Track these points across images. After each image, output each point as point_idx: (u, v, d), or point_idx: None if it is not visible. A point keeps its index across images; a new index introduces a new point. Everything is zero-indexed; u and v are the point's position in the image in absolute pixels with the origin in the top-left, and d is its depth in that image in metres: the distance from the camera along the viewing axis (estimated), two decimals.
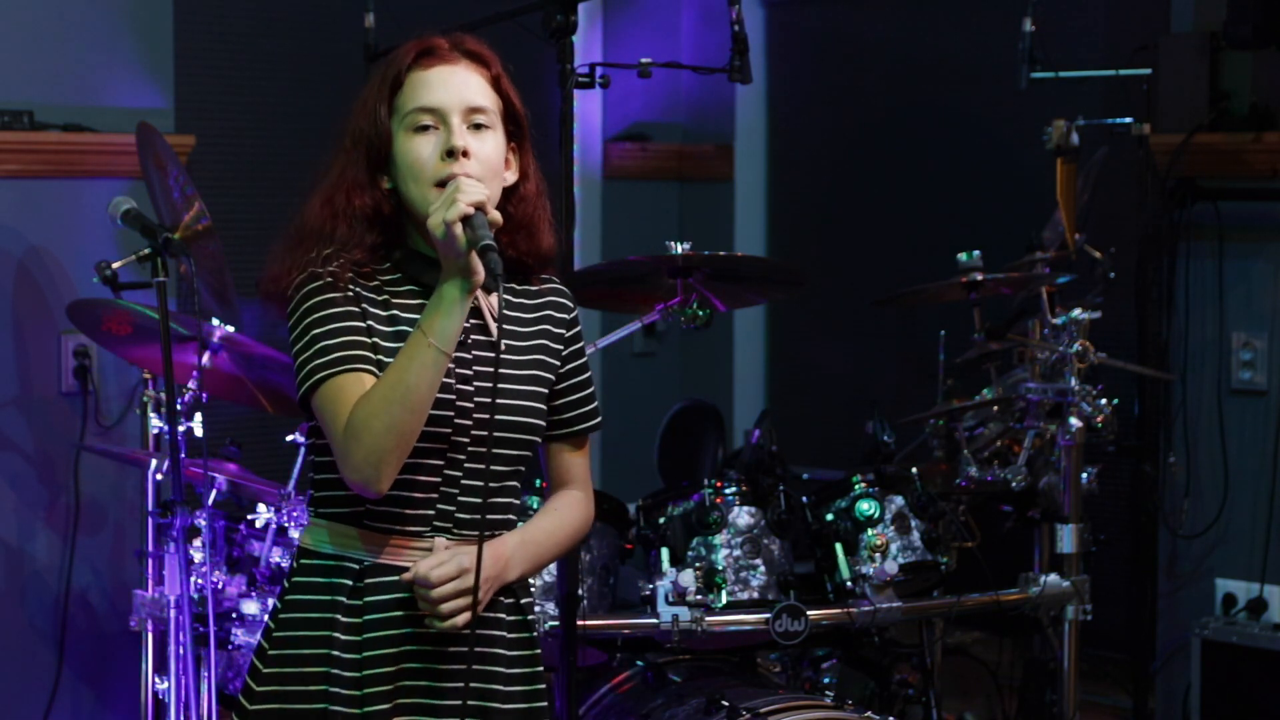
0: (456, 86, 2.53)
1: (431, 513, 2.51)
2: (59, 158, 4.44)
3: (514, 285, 2.63)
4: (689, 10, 5.91)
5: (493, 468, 2.53)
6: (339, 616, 2.51)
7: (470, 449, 2.51)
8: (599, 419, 2.71)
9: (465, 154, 2.49)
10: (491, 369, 2.52)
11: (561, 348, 2.64)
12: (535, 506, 3.26)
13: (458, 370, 2.51)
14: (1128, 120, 4.62)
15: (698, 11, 5.88)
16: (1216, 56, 4.61)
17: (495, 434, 2.52)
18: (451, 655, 2.52)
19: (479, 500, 2.52)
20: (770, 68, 5.89)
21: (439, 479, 2.51)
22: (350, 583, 2.52)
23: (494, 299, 2.57)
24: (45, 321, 4.42)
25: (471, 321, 2.55)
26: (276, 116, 4.91)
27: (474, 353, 2.54)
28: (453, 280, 2.44)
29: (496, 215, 2.45)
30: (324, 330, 2.49)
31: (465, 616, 2.48)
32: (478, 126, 2.52)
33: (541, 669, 2.64)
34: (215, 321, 3.77)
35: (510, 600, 2.59)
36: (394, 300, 2.54)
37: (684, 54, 5.70)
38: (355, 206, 2.54)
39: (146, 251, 3.34)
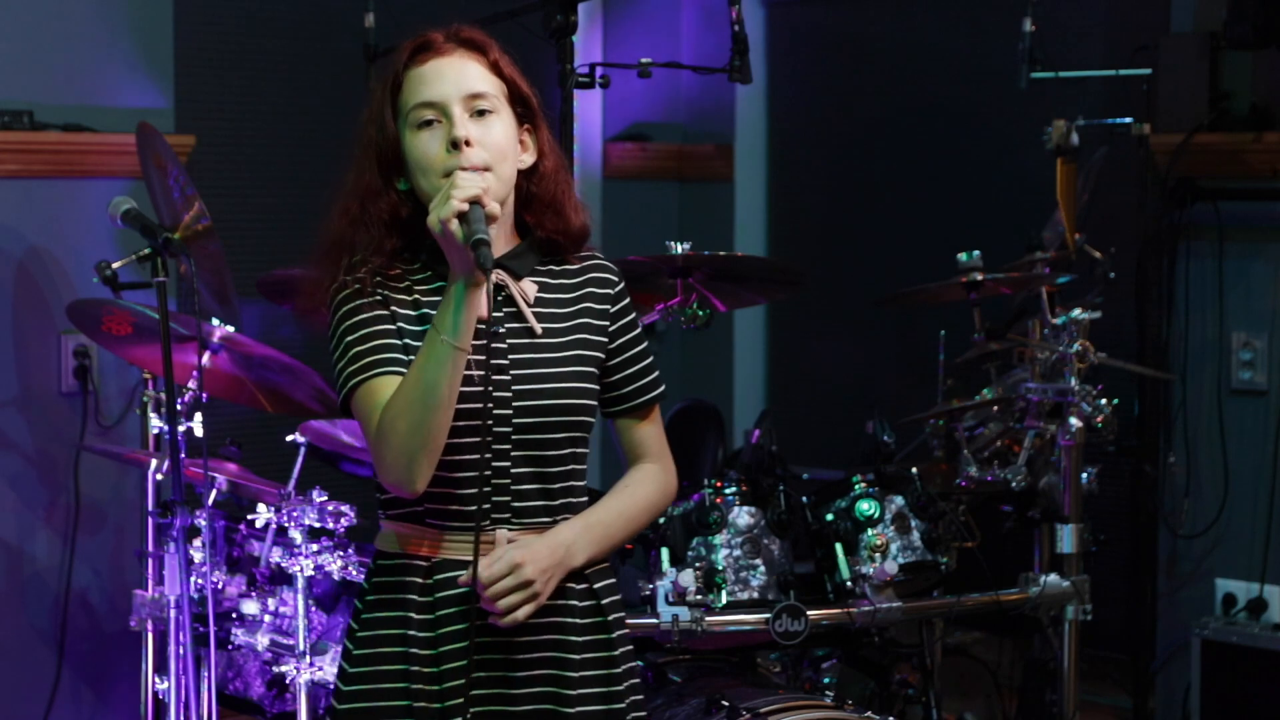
0: (453, 76, 2.53)
1: (488, 505, 2.51)
2: (59, 158, 4.44)
3: (552, 267, 2.62)
4: (689, 10, 5.91)
5: (542, 453, 2.53)
6: (412, 615, 2.53)
7: (514, 438, 2.51)
8: (662, 388, 2.69)
9: (469, 143, 2.49)
10: (530, 355, 2.53)
11: (607, 324, 2.62)
12: None
13: (494, 361, 2.50)
14: (1128, 120, 4.62)
15: (698, 11, 5.88)
16: (1216, 56, 4.61)
17: (546, 418, 2.52)
18: (521, 645, 2.53)
19: (534, 487, 2.53)
20: (770, 68, 5.88)
21: (489, 471, 2.51)
22: (420, 580, 2.53)
23: (526, 285, 2.57)
24: (45, 321, 4.42)
25: (505, 310, 2.54)
26: (276, 116, 4.91)
27: (509, 341, 2.54)
28: (458, 277, 2.44)
29: (495, 208, 2.45)
30: (355, 337, 2.51)
31: (527, 610, 2.49)
32: (481, 113, 2.52)
33: (622, 651, 2.61)
34: (215, 321, 3.77)
35: (583, 586, 2.58)
36: (423, 299, 2.55)
37: (684, 54, 5.70)
38: (372, 213, 2.55)
39: (146, 251, 3.34)
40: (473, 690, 2.51)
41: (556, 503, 2.56)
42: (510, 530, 2.52)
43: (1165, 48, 4.67)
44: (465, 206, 2.41)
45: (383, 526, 2.61)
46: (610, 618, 2.61)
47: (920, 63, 5.54)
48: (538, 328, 2.56)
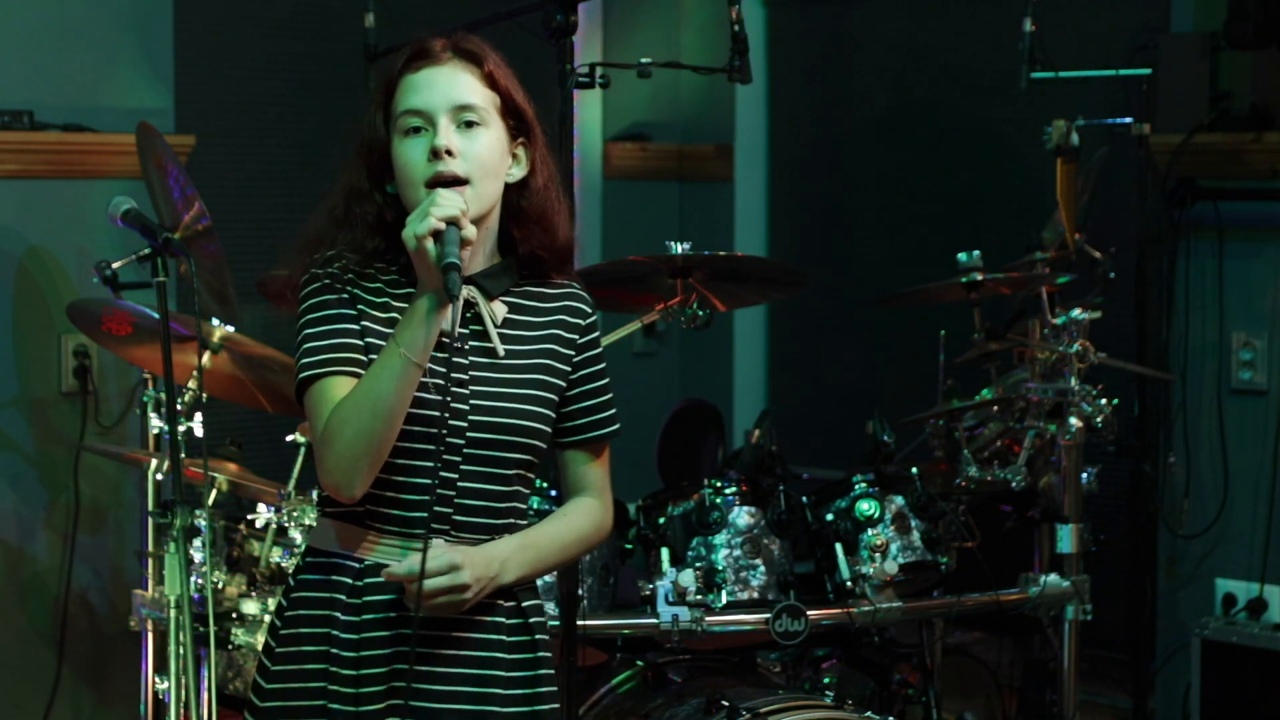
0: (442, 86, 2.52)
1: (426, 514, 2.50)
2: (59, 158, 4.44)
3: (528, 287, 2.62)
4: (689, 10, 5.91)
5: (491, 470, 2.53)
6: (338, 614, 2.52)
7: (466, 451, 2.52)
8: (616, 426, 2.69)
9: (449, 153, 2.49)
10: (489, 374, 2.53)
11: (573, 353, 2.63)
12: (535, 507, 3.26)
13: (454, 375, 2.51)
14: (1128, 120, 4.61)
15: (698, 11, 5.88)
16: (1216, 56, 4.62)
17: (498, 436, 2.52)
18: (446, 659, 2.53)
19: (479, 503, 2.53)
20: (770, 68, 5.88)
21: (435, 481, 2.50)
22: (350, 581, 2.53)
23: (496, 306, 2.57)
24: (45, 321, 4.42)
25: (471, 328, 2.55)
26: (276, 116, 4.91)
27: (471, 358, 2.54)
28: (426, 293, 2.45)
29: (471, 232, 2.44)
30: (315, 331, 2.52)
31: (447, 607, 2.48)
32: (469, 124, 2.52)
33: (548, 672, 2.62)
34: (215, 321, 3.77)
35: (510, 604, 2.59)
36: (394, 304, 2.54)
37: (684, 54, 5.70)
38: (356, 214, 2.56)
39: (146, 251, 3.33)
40: (393, 700, 2.51)
41: (499, 521, 2.57)
42: (447, 541, 2.51)
43: (1165, 48, 4.67)
44: (441, 226, 2.41)
45: (319, 523, 2.61)
46: (537, 636, 2.61)
47: (920, 63, 5.54)
48: (500, 349, 2.55)
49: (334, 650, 2.52)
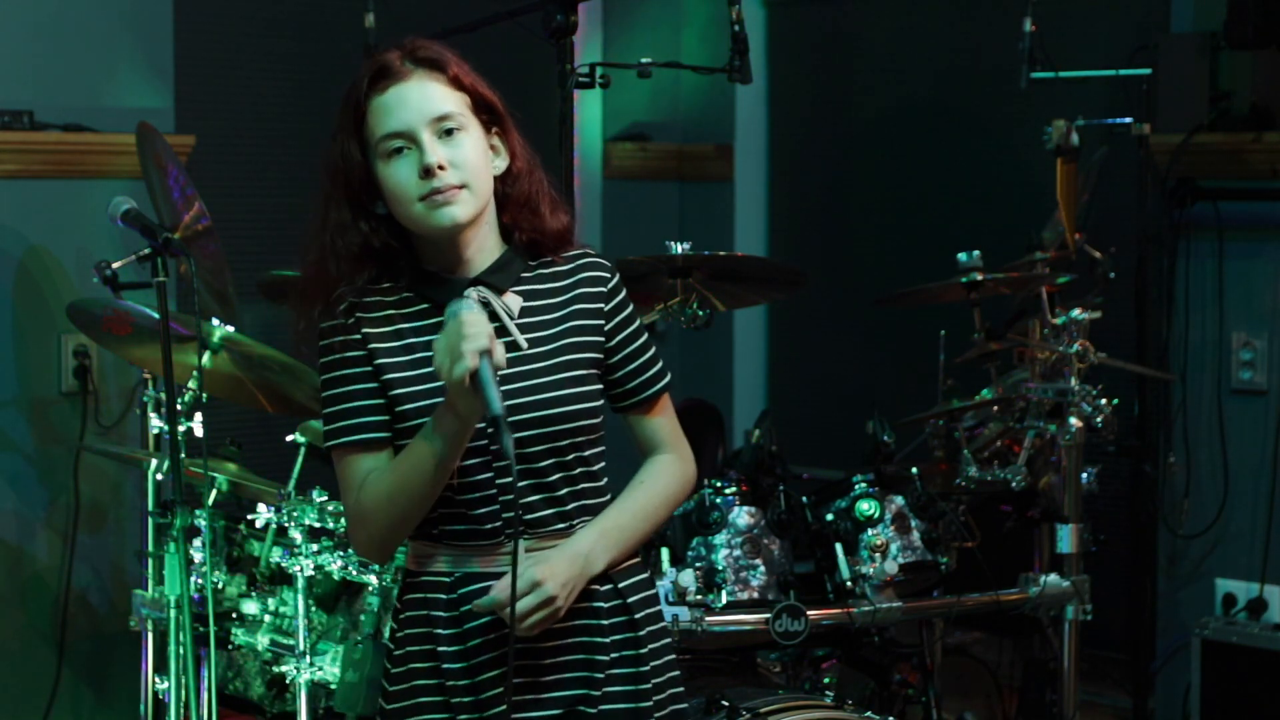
0: (415, 102, 2.51)
1: (499, 523, 2.52)
2: (59, 158, 4.44)
3: (540, 271, 2.61)
4: (689, 10, 5.91)
5: (545, 464, 2.53)
6: (439, 630, 2.54)
7: (514, 452, 2.51)
8: (667, 378, 2.68)
9: (441, 168, 2.48)
10: (518, 369, 2.52)
11: (602, 322, 2.61)
12: None
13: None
14: (1128, 120, 4.62)
15: (698, 11, 5.88)
16: (1216, 56, 4.61)
17: (540, 430, 2.52)
18: (547, 650, 2.54)
19: (543, 497, 2.53)
20: (770, 68, 5.88)
21: (494, 489, 2.52)
22: (444, 596, 2.55)
23: (510, 299, 2.56)
24: (45, 321, 4.42)
25: (493, 325, 2.53)
26: (276, 116, 4.91)
27: None
28: (454, 415, 2.44)
29: (501, 358, 2.43)
30: (332, 394, 2.55)
31: (544, 622, 2.50)
32: (449, 132, 2.51)
33: (651, 648, 2.60)
34: (215, 321, 3.77)
35: (606, 587, 2.58)
36: (406, 326, 2.55)
37: (684, 54, 5.70)
38: (341, 247, 2.54)
39: (146, 251, 3.34)
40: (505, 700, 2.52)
41: (569, 508, 2.56)
42: (526, 543, 2.51)
43: (1165, 48, 4.67)
44: (477, 363, 2.39)
45: (408, 544, 2.62)
46: (638, 615, 2.60)
47: (920, 63, 5.54)
48: (523, 341, 2.55)
49: (445, 664, 2.54)
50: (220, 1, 4.79)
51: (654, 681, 2.60)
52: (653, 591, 2.65)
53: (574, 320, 2.59)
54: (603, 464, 2.63)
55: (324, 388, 2.55)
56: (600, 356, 2.61)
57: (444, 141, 2.50)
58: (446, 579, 2.55)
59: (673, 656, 2.67)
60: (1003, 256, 4.34)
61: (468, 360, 2.38)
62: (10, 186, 4.38)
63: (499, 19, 3.38)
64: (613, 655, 2.57)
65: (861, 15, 5.71)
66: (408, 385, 2.52)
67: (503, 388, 2.48)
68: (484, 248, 2.57)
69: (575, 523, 2.56)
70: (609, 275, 2.64)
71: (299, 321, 2.60)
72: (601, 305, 2.62)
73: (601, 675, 2.55)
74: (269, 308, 4.37)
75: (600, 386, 2.61)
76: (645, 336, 2.67)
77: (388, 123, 2.51)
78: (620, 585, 2.60)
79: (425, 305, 2.55)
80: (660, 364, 2.69)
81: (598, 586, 2.57)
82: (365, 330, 2.54)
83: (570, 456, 2.56)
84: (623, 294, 2.64)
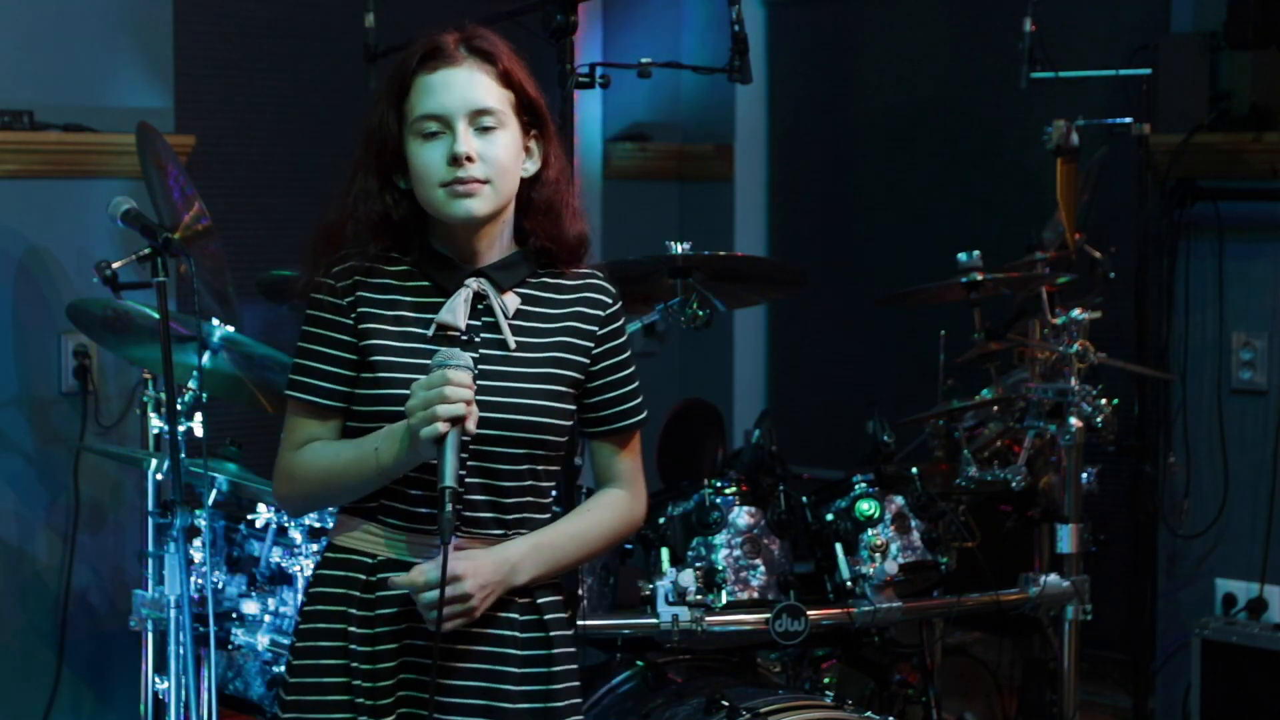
0: (460, 90, 2.52)
1: (434, 515, 2.50)
2: (59, 158, 4.44)
3: (546, 279, 2.61)
4: (689, 10, 5.91)
5: (498, 466, 2.53)
6: (352, 611, 2.54)
7: (473, 448, 2.51)
8: (642, 415, 2.68)
9: (470, 159, 2.49)
10: (500, 368, 2.53)
11: (592, 345, 2.61)
12: None
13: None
14: (1128, 120, 4.62)
15: (698, 11, 5.88)
16: (1216, 56, 4.61)
17: (504, 433, 2.51)
18: (457, 654, 2.53)
19: (487, 499, 2.53)
20: (770, 68, 5.88)
21: (437, 493, 2.50)
22: (363, 577, 2.54)
23: (508, 298, 2.57)
24: (45, 321, 4.42)
25: (483, 320, 2.55)
26: (276, 116, 4.91)
27: (482, 352, 2.54)
28: (410, 448, 2.46)
29: (472, 426, 2.44)
30: (304, 348, 2.58)
31: (457, 622, 2.49)
32: (485, 129, 2.52)
33: (564, 668, 2.60)
34: (215, 321, 3.77)
35: (525, 600, 2.57)
36: (403, 298, 2.56)
37: (684, 54, 5.70)
38: (362, 213, 2.56)
39: (146, 251, 3.34)
40: (404, 692, 2.52)
41: (509, 517, 2.56)
42: (459, 539, 2.50)
43: (1165, 48, 4.67)
44: (446, 429, 2.41)
45: (338, 517, 2.62)
46: (552, 634, 2.59)
47: (920, 63, 5.54)
48: (512, 342, 2.55)
49: (352, 646, 2.53)
50: (220, 1, 4.79)
51: (564, 703, 2.59)
52: (566, 617, 2.64)
53: (565, 336, 2.60)
54: (554, 483, 2.63)
55: (301, 338, 2.58)
56: (581, 378, 2.61)
57: (479, 135, 2.51)
58: (368, 560, 2.55)
59: (579, 696, 2.64)
60: (1003, 256, 4.34)
61: (439, 427, 2.41)
62: (10, 186, 4.38)
63: (499, 19, 3.37)
64: (523, 670, 2.56)
65: (861, 15, 5.71)
66: (391, 355, 2.53)
67: (479, 383, 2.49)
68: (495, 244, 2.58)
69: (513, 532, 2.56)
70: (611, 302, 2.64)
71: (303, 275, 2.61)
72: (595, 329, 2.62)
73: (510, 688, 2.54)
74: (269, 308, 4.37)
75: (574, 407, 2.62)
76: (632, 370, 2.67)
77: (428, 103, 2.52)
78: (539, 601, 2.59)
79: (426, 283, 2.56)
80: (639, 401, 2.68)
81: (517, 599, 2.56)
82: (361, 295, 2.55)
83: (524, 466, 2.56)
84: (619, 323, 2.65)
